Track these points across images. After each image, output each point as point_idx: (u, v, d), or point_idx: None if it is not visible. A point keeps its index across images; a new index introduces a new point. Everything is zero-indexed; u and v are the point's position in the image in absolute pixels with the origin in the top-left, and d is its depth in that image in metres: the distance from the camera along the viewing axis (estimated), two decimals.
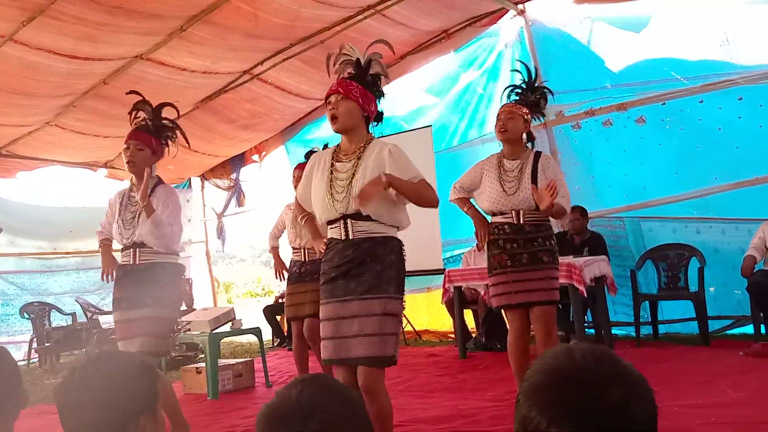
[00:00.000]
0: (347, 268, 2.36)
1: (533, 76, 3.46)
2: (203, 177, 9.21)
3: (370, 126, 2.55)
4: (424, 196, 2.43)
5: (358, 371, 2.33)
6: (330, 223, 2.45)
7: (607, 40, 6.14)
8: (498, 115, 3.34)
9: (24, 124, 6.50)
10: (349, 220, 2.38)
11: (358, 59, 2.50)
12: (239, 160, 8.82)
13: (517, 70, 3.55)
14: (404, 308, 2.46)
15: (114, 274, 3.10)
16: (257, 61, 6.31)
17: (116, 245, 3.21)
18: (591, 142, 6.18)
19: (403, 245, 2.48)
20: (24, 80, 5.40)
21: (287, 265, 4.51)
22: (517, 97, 3.43)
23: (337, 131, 2.48)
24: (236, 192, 8.98)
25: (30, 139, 6.85)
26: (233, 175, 8.93)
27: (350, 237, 2.38)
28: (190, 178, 9.24)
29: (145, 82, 5.79)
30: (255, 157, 8.70)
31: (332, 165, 2.48)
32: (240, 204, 9.07)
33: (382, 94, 2.57)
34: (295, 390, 1.00)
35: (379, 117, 2.56)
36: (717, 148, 5.54)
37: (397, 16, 5.97)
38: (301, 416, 0.95)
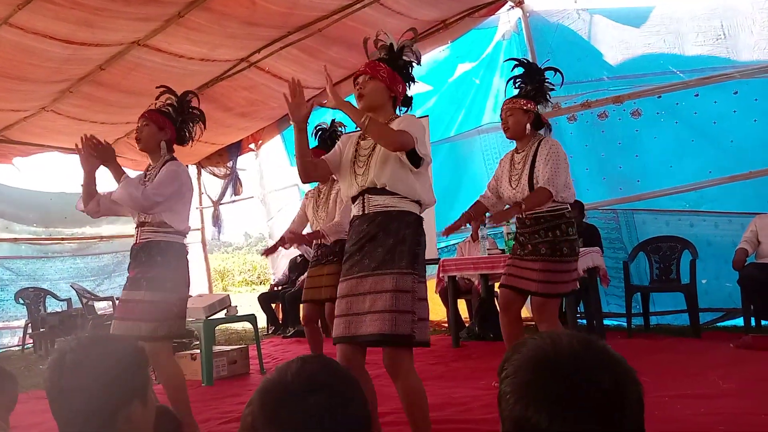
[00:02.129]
0: (362, 244, 2.35)
1: (528, 65, 3.41)
2: (200, 165, 9.21)
3: (397, 109, 2.55)
4: (385, 135, 2.31)
5: (383, 353, 2.32)
6: (353, 200, 2.47)
7: (604, 33, 6.16)
8: (501, 114, 3.35)
9: (20, 109, 6.48)
10: (366, 195, 2.39)
11: (391, 44, 2.53)
12: (236, 148, 8.82)
13: (515, 63, 3.46)
14: (423, 284, 2.35)
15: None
16: (255, 49, 6.29)
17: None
18: (586, 135, 6.20)
19: (421, 220, 2.41)
20: (20, 65, 5.37)
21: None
22: (518, 89, 3.39)
23: (362, 109, 2.49)
24: (233, 180, 8.97)
25: (26, 125, 6.83)
26: (230, 163, 8.93)
27: (366, 212, 2.39)
28: (186, 166, 9.21)
29: (142, 68, 5.77)
30: (252, 145, 8.70)
31: (358, 143, 2.50)
32: (236, 192, 9.07)
33: (413, 80, 2.57)
34: (294, 365, 0.99)
35: (407, 101, 2.58)
36: (711, 141, 5.57)
37: (395, 6, 5.95)
38: (300, 391, 0.95)
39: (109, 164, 2.95)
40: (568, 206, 3.23)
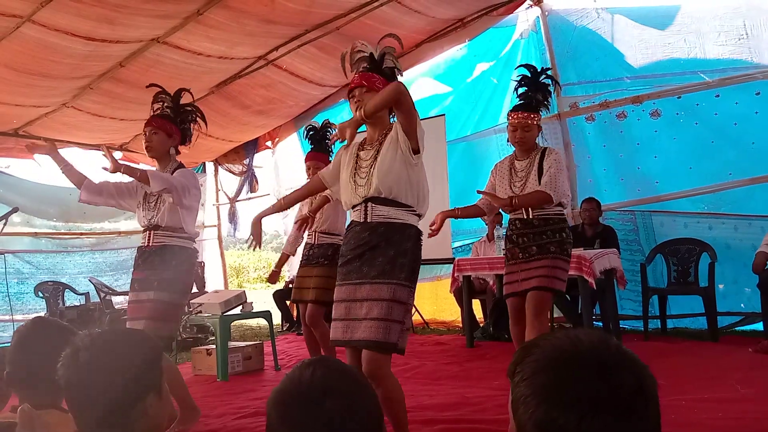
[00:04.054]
0: (362, 251, 2.39)
1: (534, 71, 3.52)
2: (217, 162, 9.27)
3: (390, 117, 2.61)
4: (393, 93, 2.33)
5: (362, 355, 2.34)
6: (354, 207, 2.50)
7: (623, 33, 6.10)
8: (512, 124, 3.40)
9: (41, 105, 6.56)
10: (369, 204, 2.42)
11: (372, 54, 2.55)
12: (253, 146, 8.86)
13: (523, 69, 3.57)
14: (413, 298, 2.44)
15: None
16: (272, 47, 6.32)
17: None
18: (604, 135, 6.15)
19: (421, 234, 2.47)
20: (42, 61, 5.44)
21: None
22: (523, 100, 3.44)
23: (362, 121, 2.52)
24: (249, 177, 9.02)
25: (47, 121, 6.91)
26: (246, 161, 8.97)
27: (368, 220, 2.41)
28: (204, 163, 9.30)
29: (160, 65, 5.83)
30: (268, 143, 8.74)
31: (357, 155, 2.52)
32: (252, 190, 9.11)
33: None
34: (307, 372, 1.00)
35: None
36: (732, 143, 5.50)
37: (413, 4, 5.95)
38: (316, 398, 0.96)
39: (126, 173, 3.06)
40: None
